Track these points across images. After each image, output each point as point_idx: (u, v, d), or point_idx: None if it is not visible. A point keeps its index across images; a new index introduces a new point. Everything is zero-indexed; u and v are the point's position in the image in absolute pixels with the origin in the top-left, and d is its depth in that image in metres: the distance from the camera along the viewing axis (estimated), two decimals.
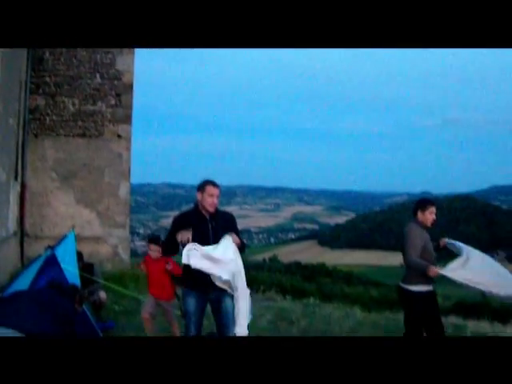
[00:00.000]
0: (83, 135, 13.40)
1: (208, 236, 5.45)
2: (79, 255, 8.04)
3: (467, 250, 6.06)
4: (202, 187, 5.63)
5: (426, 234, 6.12)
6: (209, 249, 5.25)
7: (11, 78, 10.93)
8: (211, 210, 5.58)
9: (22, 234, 12.73)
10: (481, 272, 5.82)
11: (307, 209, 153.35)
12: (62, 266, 7.11)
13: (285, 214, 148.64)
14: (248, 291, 5.37)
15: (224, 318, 5.55)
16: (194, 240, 5.35)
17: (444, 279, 5.86)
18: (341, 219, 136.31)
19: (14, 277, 7.73)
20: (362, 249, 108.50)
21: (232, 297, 5.34)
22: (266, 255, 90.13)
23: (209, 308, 5.78)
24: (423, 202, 6.30)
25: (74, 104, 13.37)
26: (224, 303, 5.32)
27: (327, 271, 53.17)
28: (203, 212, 5.62)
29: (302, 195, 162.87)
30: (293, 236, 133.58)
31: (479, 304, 19.06)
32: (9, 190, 11.43)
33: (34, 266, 7.29)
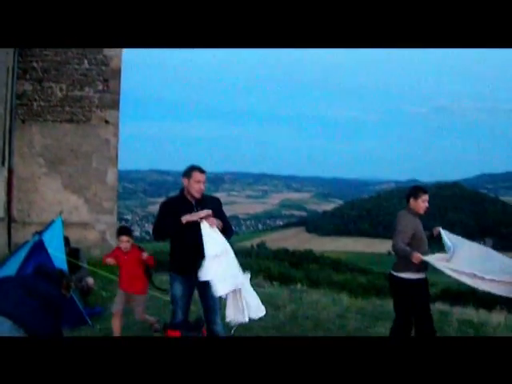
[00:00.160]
0: (71, 121, 13.36)
1: (194, 222, 5.41)
2: (66, 240, 8.03)
3: (455, 244, 6.05)
4: (188, 173, 5.59)
5: (417, 221, 6.13)
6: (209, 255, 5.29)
7: None
8: (198, 196, 5.57)
9: (9, 219, 12.71)
10: (469, 265, 5.78)
11: (295, 196, 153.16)
12: (50, 251, 7.13)
13: (273, 201, 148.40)
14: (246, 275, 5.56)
15: (210, 302, 5.58)
16: (181, 226, 5.37)
17: (431, 266, 5.90)
18: (329, 206, 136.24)
19: (1, 263, 7.74)
20: (349, 236, 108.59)
21: None
22: (254, 242, 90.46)
23: (196, 294, 5.80)
24: (416, 189, 6.28)
25: (61, 89, 13.31)
26: (211, 288, 5.33)
27: (315, 258, 53.49)
28: (189, 198, 5.60)
29: (289, 182, 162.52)
30: (281, 223, 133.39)
31: (465, 291, 19.28)
32: None
33: (22, 252, 7.30)
